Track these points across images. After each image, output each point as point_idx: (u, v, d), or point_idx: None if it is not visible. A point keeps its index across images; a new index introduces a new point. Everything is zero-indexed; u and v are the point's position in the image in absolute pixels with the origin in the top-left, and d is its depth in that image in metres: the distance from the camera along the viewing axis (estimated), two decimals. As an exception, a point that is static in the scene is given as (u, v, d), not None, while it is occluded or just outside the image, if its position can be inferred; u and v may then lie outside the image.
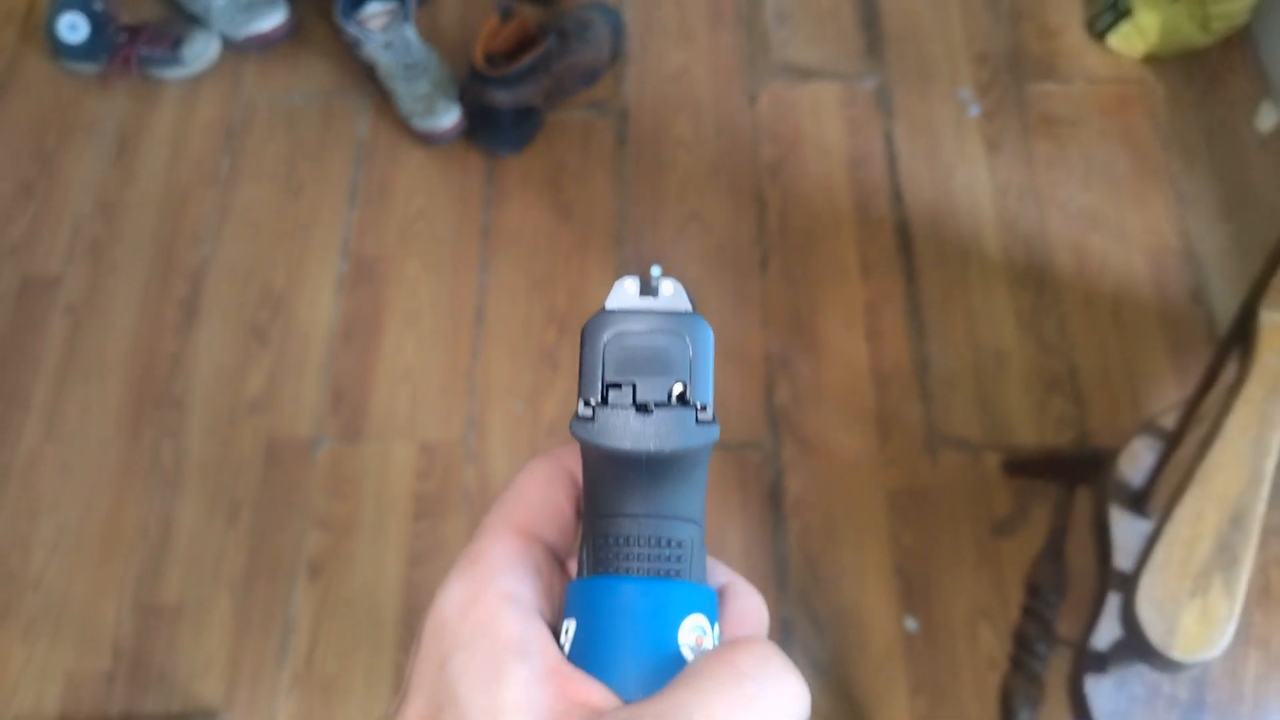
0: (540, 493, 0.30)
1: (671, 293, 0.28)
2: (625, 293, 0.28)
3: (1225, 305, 1.26)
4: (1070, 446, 1.19)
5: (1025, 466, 1.17)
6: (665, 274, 0.29)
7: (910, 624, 1.12)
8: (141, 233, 1.35)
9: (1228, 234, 1.31)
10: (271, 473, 1.20)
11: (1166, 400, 1.20)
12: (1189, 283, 1.29)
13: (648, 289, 0.28)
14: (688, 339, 0.28)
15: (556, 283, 1.31)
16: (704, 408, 0.27)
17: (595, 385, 0.27)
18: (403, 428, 1.22)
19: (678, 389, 0.27)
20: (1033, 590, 1.08)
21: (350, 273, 1.32)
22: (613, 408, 0.27)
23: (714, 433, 0.27)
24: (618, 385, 0.27)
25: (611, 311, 0.28)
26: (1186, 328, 1.26)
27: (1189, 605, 0.73)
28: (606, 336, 0.27)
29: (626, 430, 0.27)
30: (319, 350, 1.27)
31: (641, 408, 0.27)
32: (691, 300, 0.28)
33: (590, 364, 0.27)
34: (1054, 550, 1.07)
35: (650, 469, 0.27)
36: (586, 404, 0.27)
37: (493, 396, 1.24)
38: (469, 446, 1.21)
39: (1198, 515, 0.73)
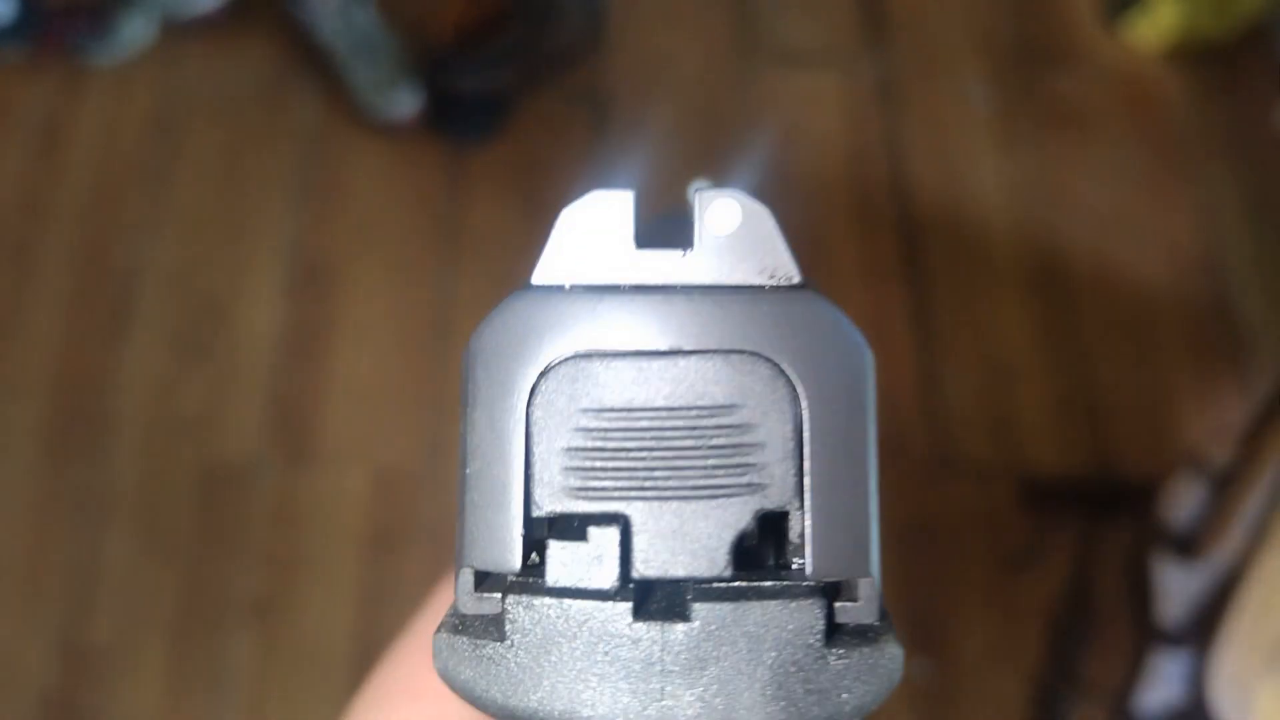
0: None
1: (736, 228, 0.14)
2: (597, 236, 0.14)
3: (1250, 314, 1.20)
4: (1090, 473, 1.10)
5: (1043, 496, 1.08)
6: (720, 185, 0.14)
7: (918, 666, 1.04)
8: (68, 234, 1.25)
9: (1250, 239, 1.25)
10: (210, 501, 1.11)
11: (1191, 420, 1.12)
12: (1211, 290, 1.22)
13: (665, 225, 0.14)
14: (791, 375, 0.13)
15: (528, 288, 1.22)
16: (853, 590, 0.12)
17: (505, 534, 0.13)
18: (356, 451, 1.13)
19: (743, 527, 0.12)
20: (1055, 632, 0.99)
21: (298, 278, 1.22)
22: (553, 604, 0.13)
23: (893, 671, 0.12)
24: (572, 525, 0.13)
25: (553, 295, 0.13)
26: (1209, 338, 1.20)
27: (1267, 681, 0.63)
28: (540, 380, 0.14)
29: (604, 688, 0.12)
30: (263, 364, 1.17)
31: (657, 609, 0.12)
32: (794, 255, 0.14)
33: (488, 467, 0.13)
34: (1078, 589, 0.98)
35: None
36: (476, 593, 0.13)
37: (457, 414, 1.15)
38: (431, 472, 1.12)
39: (1275, 580, 0.63)
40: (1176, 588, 0.80)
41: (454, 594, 0.13)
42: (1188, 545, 0.80)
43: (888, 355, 1.17)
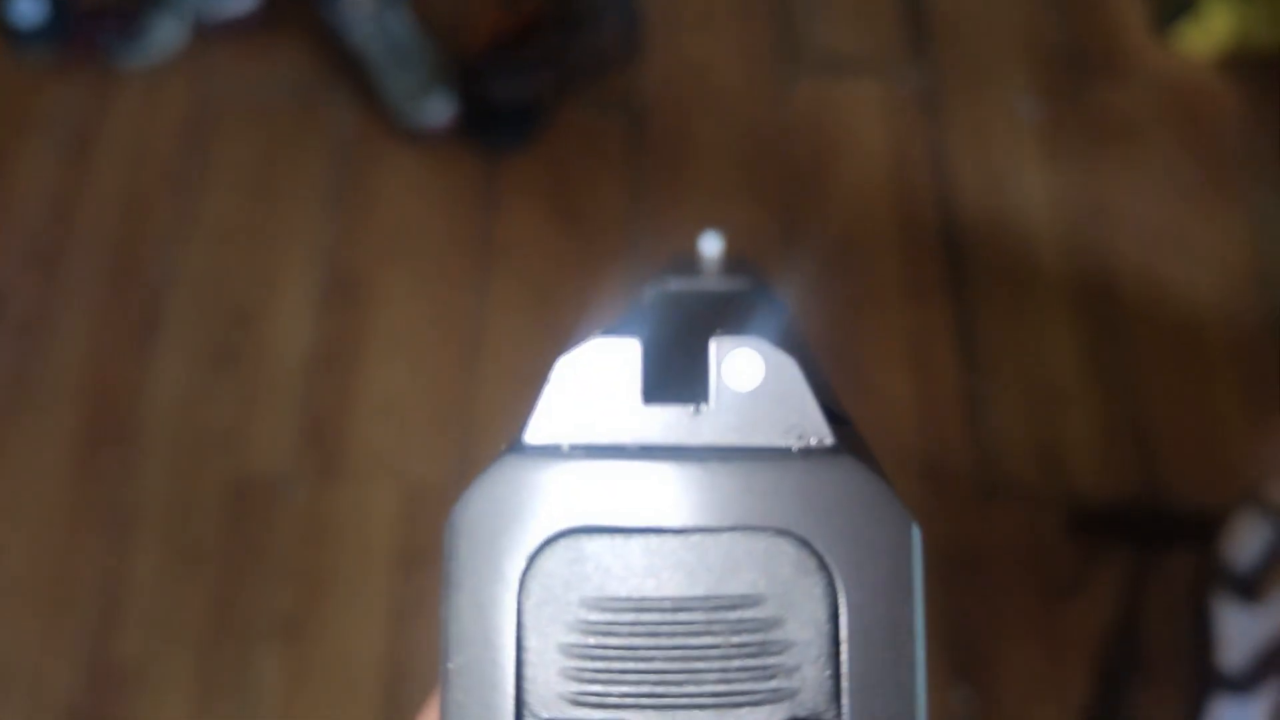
0: None
1: (758, 383, 0.12)
2: (598, 389, 0.12)
3: None
4: (1140, 501, 1.07)
5: (1091, 524, 1.05)
6: (742, 344, 0.12)
7: (960, 695, 1.01)
8: (98, 242, 1.24)
9: None
10: (238, 515, 1.10)
11: (1244, 448, 1.09)
12: (1264, 312, 1.19)
13: (671, 368, 0.12)
14: (826, 558, 0.11)
15: (562, 300, 1.20)
16: None
17: None
18: (387, 465, 1.11)
19: None
20: (1103, 667, 0.96)
21: (330, 288, 1.20)
22: None
23: None
24: None
25: (549, 458, 0.12)
26: (1263, 361, 1.16)
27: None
28: (534, 561, 0.12)
29: None
30: (294, 376, 1.16)
31: None
32: (824, 412, 0.12)
33: (474, 665, 0.12)
34: (1128, 624, 0.96)
35: None
36: None
37: (490, 429, 1.13)
38: (461, 488, 1.10)
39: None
40: (1238, 631, 0.77)
41: None
42: (1250, 587, 0.77)
43: (931, 376, 1.15)
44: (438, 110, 1.25)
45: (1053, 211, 1.24)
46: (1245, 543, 0.78)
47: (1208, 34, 1.31)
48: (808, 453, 0.12)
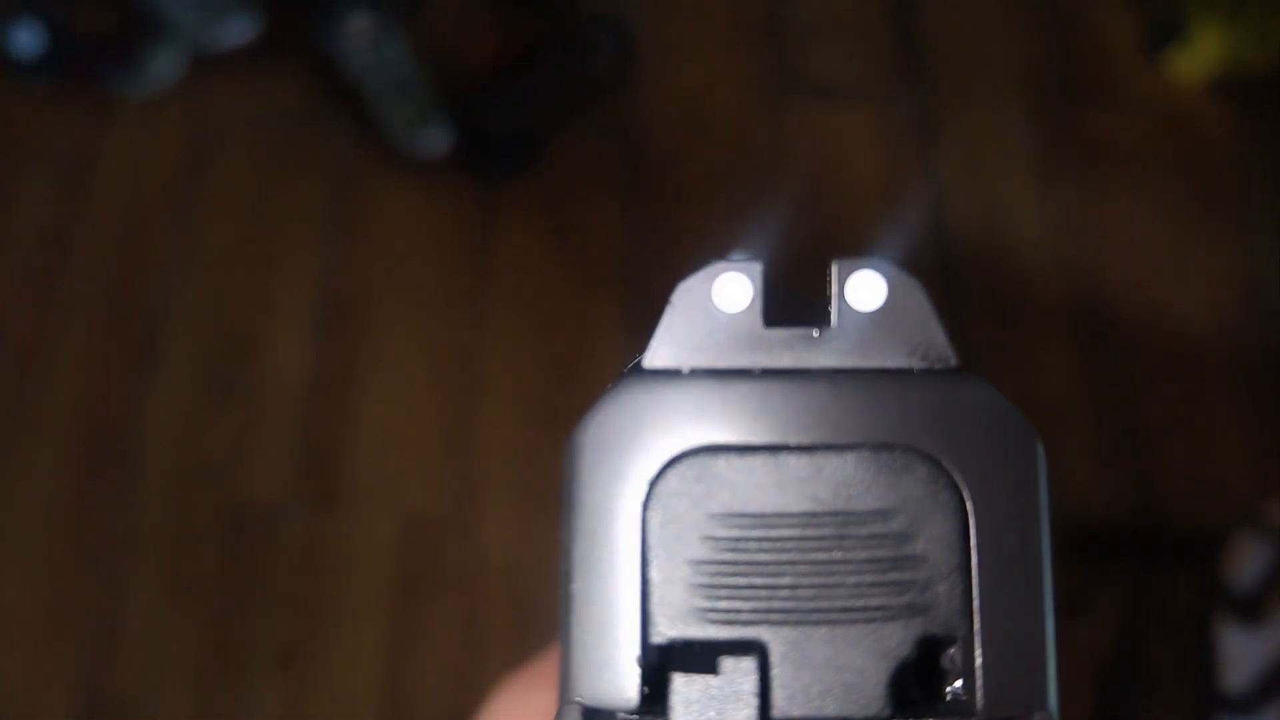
0: None
1: (881, 303, 0.12)
2: (719, 312, 0.12)
3: None
4: (1139, 521, 1.07)
5: (1090, 545, 1.05)
6: (859, 264, 0.12)
7: None
8: (94, 270, 1.24)
9: None
10: (236, 545, 1.09)
11: (1241, 468, 1.09)
12: (1258, 334, 1.19)
13: (795, 305, 0.12)
14: (954, 474, 0.11)
15: (560, 327, 1.20)
16: None
17: (618, 664, 0.11)
18: (385, 494, 1.11)
19: (903, 656, 0.11)
20: (1105, 687, 0.96)
21: (328, 317, 1.20)
22: None
23: None
24: (699, 655, 0.11)
25: (671, 380, 0.12)
26: (1256, 381, 1.17)
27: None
28: (659, 479, 0.11)
29: None
30: (291, 405, 1.15)
31: None
32: (945, 332, 0.12)
33: (597, 583, 0.11)
34: (1130, 644, 0.95)
35: None
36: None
37: (489, 459, 1.13)
38: (461, 518, 1.10)
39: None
40: (1240, 653, 0.77)
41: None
42: (1252, 608, 0.76)
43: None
44: (435, 139, 1.26)
45: (1047, 234, 1.25)
46: (1245, 563, 0.78)
47: (1197, 58, 1.31)
48: (931, 372, 0.12)
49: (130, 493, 1.11)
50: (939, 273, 1.22)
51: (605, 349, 1.17)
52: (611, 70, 1.32)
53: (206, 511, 1.10)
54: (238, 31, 1.33)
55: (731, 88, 1.35)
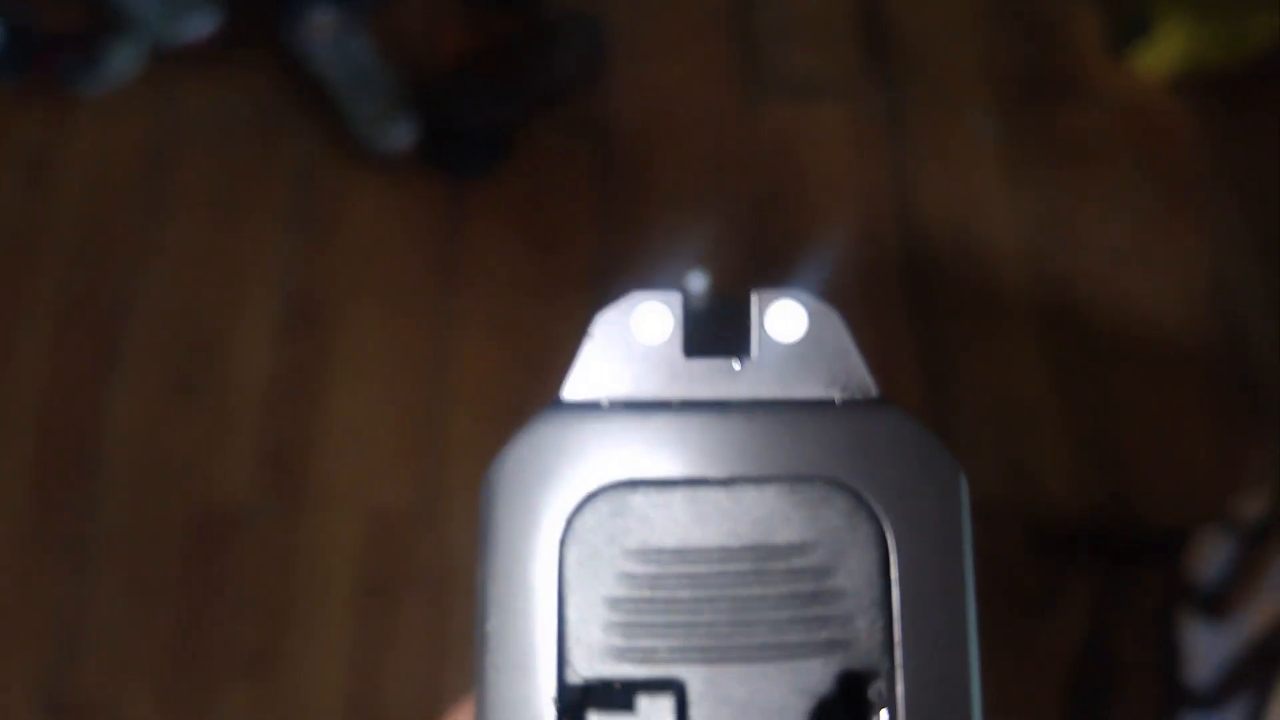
0: None
1: (801, 334, 0.12)
2: (638, 344, 0.12)
3: (1262, 351, 1.17)
4: (1108, 517, 1.07)
5: (1060, 542, 1.05)
6: (777, 294, 0.12)
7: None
8: (56, 269, 1.21)
9: (1263, 277, 1.22)
10: (200, 547, 1.07)
11: (1208, 463, 1.10)
12: (1223, 325, 1.20)
13: (738, 318, 0.12)
14: (875, 506, 0.11)
15: (528, 326, 1.19)
16: None
17: (534, 705, 0.11)
18: (351, 494, 1.09)
19: (822, 693, 0.10)
20: (1074, 685, 0.96)
21: (293, 315, 1.18)
22: None
23: None
24: (616, 694, 0.11)
25: (588, 414, 0.11)
26: (1223, 376, 1.18)
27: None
28: (575, 515, 0.11)
29: None
30: (256, 405, 1.14)
31: None
32: (865, 362, 0.12)
33: (512, 622, 0.11)
34: (1099, 641, 0.95)
35: None
36: None
37: (457, 459, 1.12)
38: (427, 517, 1.09)
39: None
40: (1205, 649, 0.77)
41: None
42: (1216, 603, 0.77)
43: (897, 396, 1.15)
44: (401, 135, 1.24)
45: (1015, 230, 1.25)
46: (1210, 559, 0.78)
47: (1162, 55, 1.32)
48: (852, 404, 0.11)
49: (93, 495, 1.09)
50: (907, 269, 1.22)
51: (574, 348, 1.16)
52: (582, 67, 1.31)
53: (171, 513, 1.08)
54: (199, 26, 1.31)
55: (702, 86, 1.34)
